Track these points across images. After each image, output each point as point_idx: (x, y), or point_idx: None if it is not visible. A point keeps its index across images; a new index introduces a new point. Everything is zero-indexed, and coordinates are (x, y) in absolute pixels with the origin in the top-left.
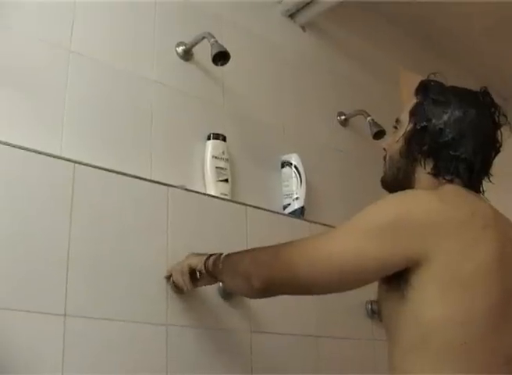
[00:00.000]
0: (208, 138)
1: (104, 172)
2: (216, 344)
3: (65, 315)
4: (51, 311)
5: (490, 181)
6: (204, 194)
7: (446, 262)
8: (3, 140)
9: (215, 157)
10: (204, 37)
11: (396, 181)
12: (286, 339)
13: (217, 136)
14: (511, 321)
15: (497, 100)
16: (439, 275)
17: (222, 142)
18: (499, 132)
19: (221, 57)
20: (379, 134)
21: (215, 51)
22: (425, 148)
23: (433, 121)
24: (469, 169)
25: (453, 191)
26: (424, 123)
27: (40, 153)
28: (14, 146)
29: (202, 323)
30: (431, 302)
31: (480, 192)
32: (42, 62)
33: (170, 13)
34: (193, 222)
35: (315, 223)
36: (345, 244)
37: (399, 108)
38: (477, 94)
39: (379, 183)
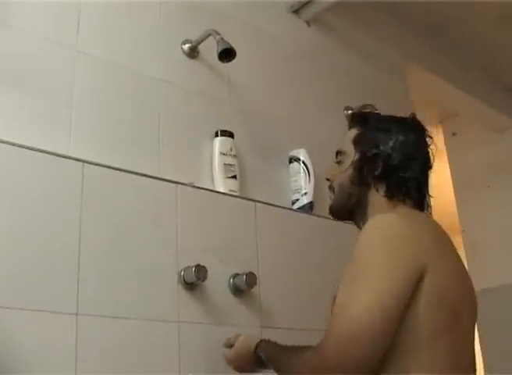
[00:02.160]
0: (216, 135)
1: (113, 171)
2: None
3: (77, 314)
4: (63, 310)
5: (431, 196)
6: (213, 190)
7: (434, 279)
8: (11, 140)
9: (223, 154)
10: (209, 35)
11: (347, 207)
12: (297, 334)
13: (224, 133)
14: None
15: (506, 93)
16: (429, 290)
17: (230, 139)
18: (430, 152)
19: (227, 54)
20: None
21: (221, 48)
22: (377, 173)
23: (381, 147)
24: (417, 189)
25: (411, 214)
26: (374, 150)
27: (48, 153)
28: (23, 147)
29: (213, 319)
30: (423, 311)
31: (425, 210)
32: (49, 62)
33: (175, 11)
34: (202, 219)
35: (324, 217)
36: (375, 294)
37: (405, 101)
38: (408, 119)
39: None
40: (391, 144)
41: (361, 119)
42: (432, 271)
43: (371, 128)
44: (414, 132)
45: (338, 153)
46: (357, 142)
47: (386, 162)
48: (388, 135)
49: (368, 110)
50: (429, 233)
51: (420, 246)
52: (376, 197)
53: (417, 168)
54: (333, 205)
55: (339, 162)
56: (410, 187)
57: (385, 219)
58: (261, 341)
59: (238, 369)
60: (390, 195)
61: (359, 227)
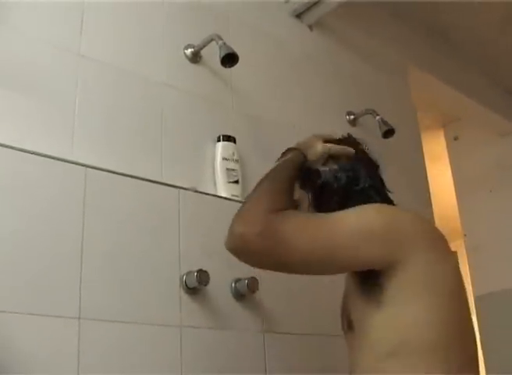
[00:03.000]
0: (218, 140)
1: (116, 175)
2: (229, 345)
3: (79, 318)
4: (66, 314)
5: (391, 192)
6: (215, 195)
7: (421, 269)
8: (14, 145)
9: (225, 158)
10: (212, 39)
11: None
12: (300, 339)
13: (227, 137)
14: (471, 322)
15: (508, 97)
16: (414, 281)
17: (232, 143)
18: (367, 153)
19: (229, 59)
20: (389, 133)
21: (224, 53)
22: (336, 198)
23: (325, 176)
24: (377, 193)
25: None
26: (319, 181)
27: (51, 158)
28: (25, 151)
29: (215, 323)
30: (407, 307)
31: None
32: (52, 66)
33: (178, 15)
34: (204, 223)
35: None
36: (342, 235)
37: (407, 106)
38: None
39: (388, 181)
40: (331, 168)
41: None
42: (412, 265)
43: (307, 168)
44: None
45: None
46: (302, 186)
47: (337, 185)
48: (324, 165)
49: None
50: (414, 225)
51: (402, 236)
52: None
53: (364, 175)
54: None
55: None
56: (370, 195)
57: (373, 204)
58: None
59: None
60: None
61: None
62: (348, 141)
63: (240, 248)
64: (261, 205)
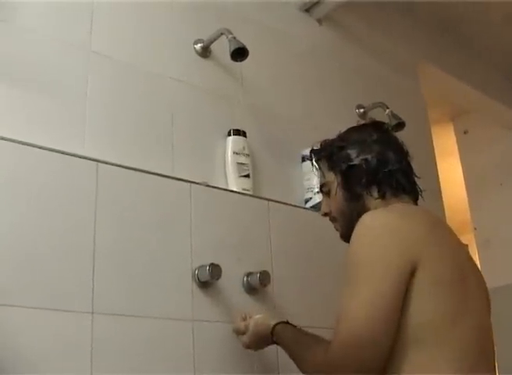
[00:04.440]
0: (229, 134)
1: (127, 170)
2: None
3: (92, 312)
4: (79, 309)
5: (419, 177)
6: (226, 189)
7: (429, 268)
8: (26, 141)
9: (236, 153)
10: (221, 34)
11: (355, 224)
12: (311, 332)
13: (237, 132)
14: (486, 317)
15: None
16: (425, 280)
17: (243, 138)
18: (398, 140)
19: (239, 53)
20: (399, 126)
21: (233, 47)
22: (364, 180)
23: (353, 157)
24: (405, 176)
25: (400, 207)
26: (349, 163)
27: (63, 153)
28: (37, 147)
29: (227, 317)
30: (419, 305)
31: (418, 195)
32: (62, 63)
33: (187, 11)
34: (215, 218)
35: None
36: (366, 295)
37: (417, 100)
38: (363, 124)
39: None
40: (360, 149)
41: (319, 151)
42: (426, 262)
43: (333, 151)
44: (374, 130)
45: (321, 187)
46: (331, 167)
47: (366, 167)
48: (353, 145)
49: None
50: (421, 224)
51: (410, 238)
52: (373, 202)
53: (394, 159)
54: (343, 232)
55: (327, 194)
56: (398, 179)
57: (372, 217)
58: (275, 325)
59: (258, 349)
60: (383, 194)
61: None
62: (370, 125)
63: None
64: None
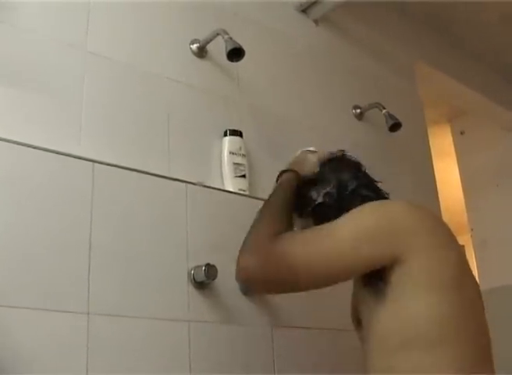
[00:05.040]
0: (225, 134)
1: (123, 170)
2: (238, 339)
3: (88, 313)
4: (75, 309)
5: (380, 181)
6: (223, 190)
7: (424, 263)
8: (22, 141)
9: (232, 153)
10: (218, 34)
11: None
12: (308, 333)
13: (233, 132)
14: (483, 313)
15: None
16: (418, 275)
17: (239, 138)
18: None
19: (235, 53)
20: (395, 127)
21: (230, 47)
22: (334, 212)
23: (315, 197)
24: (366, 187)
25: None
26: (314, 203)
27: (59, 153)
28: (33, 147)
29: (223, 318)
30: (414, 301)
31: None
32: (58, 63)
33: (183, 11)
34: (211, 218)
35: None
36: (342, 242)
37: (414, 101)
38: None
39: (395, 176)
40: (317, 187)
41: None
42: (411, 260)
43: (298, 200)
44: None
45: None
46: (301, 215)
47: (329, 200)
48: (309, 188)
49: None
50: (428, 217)
51: (398, 233)
52: None
53: (349, 177)
54: None
55: None
56: (362, 193)
57: (373, 202)
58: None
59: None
60: None
61: None
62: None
63: (247, 281)
64: (260, 234)
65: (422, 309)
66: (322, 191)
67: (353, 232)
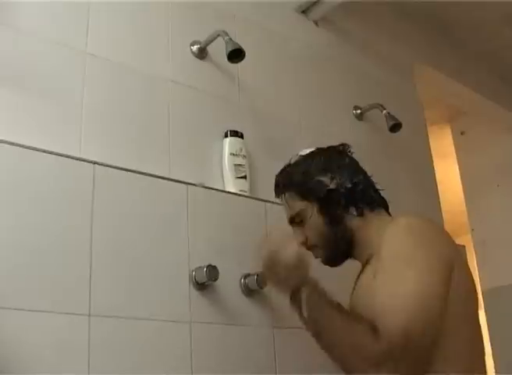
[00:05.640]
0: (226, 136)
1: (124, 172)
2: (239, 340)
3: (89, 315)
4: (76, 311)
5: (383, 189)
6: (223, 191)
7: (459, 273)
8: (23, 143)
9: (233, 154)
10: (218, 35)
11: (340, 248)
12: (309, 334)
13: (234, 133)
14: (477, 317)
15: None
16: (456, 280)
17: (240, 139)
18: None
19: (236, 54)
20: (396, 127)
21: (230, 48)
22: (343, 203)
23: (328, 183)
24: (374, 191)
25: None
26: (327, 189)
27: (59, 155)
28: (33, 149)
29: (225, 319)
30: (453, 302)
31: (388, 208)
32: (58, 64)
33: (184, 12)
34: (212, 219)
35: None
36: (425, 282)
37: (414, 102)
38: (318, 149)
39: (395, 177)
40: (331, 174)
41: (285, 181)
42: (456, 266)
43: (303, 180)
44: (332, 152)
45: (293, 218)
46: (303, 196)
47: (343, 190)
48: (322, 172)
49: (286, 169)
50: (443, 232)
51: (447, 242)
52: (353, 221)
53: (362, 177)
54: (328, 255)
55: (301, 223)
56: (371, 194)
57: (409, 220)
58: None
59: (277, 282)
60: (361, 212)
61: (359, 259)
62: (334, 149)
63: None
64: (359, 343)
65: (448, 312)
66: (336, 179)
67: (424, 259)
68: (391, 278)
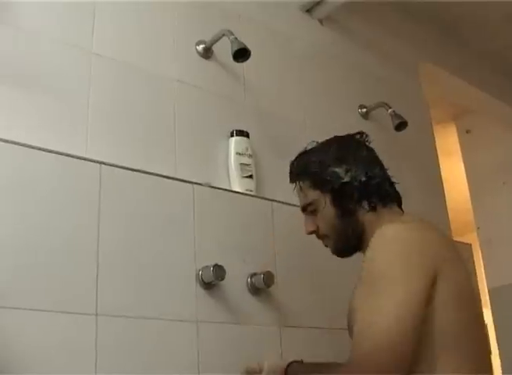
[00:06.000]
0: (231, 135)
1: (130, 172)
2: (246, 339)
3: (96, 314)
4: (83, 311)
5: (398, 183)
6: (229, 190)
7: (449, 281)
8: (29, 143)
9: (239, 153)
10: (223, 35)
11: (350, 241)
12: (315, 333)
13: (240, 132)
14: (482, 322)
15: None
16: (448, 291)
17: (245, 138)
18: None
19: (241, 54)
20: (401, 126)
21: (235, 48)
22: (356, 196)
23: (343, 175)
24: (390, 184)
25: (414, 221)
26: (340, 181)
27: (66, 155)
28: (40, 149)
29: (231, 318)
30: (444, 314)
31: (401, 203)
32: (64, 64)
33: (189, 12)
34: (219, 218)
35: None
36: (399, 303)
37: (419, 100)
38: (336, 137)
39: (401, 175)
40: (346, 166)
41: (300, 168)
42: (444, 274)
43: (318, 169)
44: (349, 142)
45: (306, 206)
46: (317, 186)
47: (357, 183)
48: (338, 162)
49: (300, 157)
50: (437, 238)
51: (430, 250)
52: (365, 215)
53: (378, 170)
54: (338, 247)
55: (313, 212)
56: (386, 189)
57: (394, 230)
58: (290, 363)
59: None
60: (374, 207)
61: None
62: (343, 137)
63: None
64: None
65: (447, 321)
66: (351, 171)
67: (400, 278)
68: (368, 296)
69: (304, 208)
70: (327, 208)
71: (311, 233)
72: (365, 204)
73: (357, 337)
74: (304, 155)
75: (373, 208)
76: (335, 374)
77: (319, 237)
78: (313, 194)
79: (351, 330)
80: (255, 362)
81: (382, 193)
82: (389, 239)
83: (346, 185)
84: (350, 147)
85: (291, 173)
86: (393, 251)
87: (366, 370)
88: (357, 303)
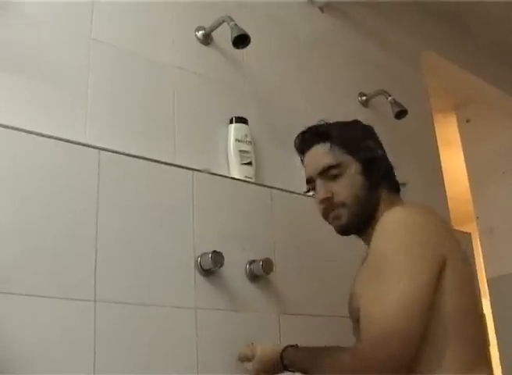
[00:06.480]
0: (231, 122)
1: (129, 158)
2: (244, 326)
3: (95, 301)
4: (82, 297)
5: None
6: (229, 177)
7: (454, 266)
8: (27, 129)
9: (238, 140)
10: (223, 21)
11: (365, 213)
12: (314, 320)
13: (239, 119)
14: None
15: None
16: (452, 277)
17: (245, 125)
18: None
19: (241, 40)
20: (401, 114)
21: (235, 34)
22: (383, 169)
23: (374, 148)
24: (395, 178)
25: (418, 205)
26: (374, 154)
27: (65, 141)
28: (39, 134)
29: (230, 305)
30: (446, 299)
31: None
32: (63, 50)
33: None
34: (218, 205)
35: None
36: (405, 288)
37: (420, 89)
38: (361, 123)
39: (401, 164)
40: (377, 144)
41: (338, 133)
42: (450, 259)
43: (357, 137)
44: (370, 130)
45: (329, 169)
46: (351, 152)
47: (384, 160)
48: (371, 138)
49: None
50: (441, 223)
51: (438, 236)
52: (383, 194)
53: (387, 158)
54: (349, 219)
55: (333, 177)
56: (392, 170)
57: (401, 213)
58: (285, 347)
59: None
60: (389, 188)
61: (365, 240)
62: (358, 125)
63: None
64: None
65: (449, 306)
66: (380, 149)
67: (410, 261)
68: (374, 281)
69: (325, 171)
70: (355, 176)
71: (325, 199)
72: (385, 183)
73: (364, 323)
74: (329, 124)
75: (390, 189)
76: (336, 356)
77: (331, 204)
78: (343, 158)
79: (352, 314)
80: (248, 346)
81: (394, 179)
82: (397, 223)
83: (378, 159)
84: (371, 129)
85: (323, 133)
86: (400, 236)
87: (373, 355)
88: (362, 288)
